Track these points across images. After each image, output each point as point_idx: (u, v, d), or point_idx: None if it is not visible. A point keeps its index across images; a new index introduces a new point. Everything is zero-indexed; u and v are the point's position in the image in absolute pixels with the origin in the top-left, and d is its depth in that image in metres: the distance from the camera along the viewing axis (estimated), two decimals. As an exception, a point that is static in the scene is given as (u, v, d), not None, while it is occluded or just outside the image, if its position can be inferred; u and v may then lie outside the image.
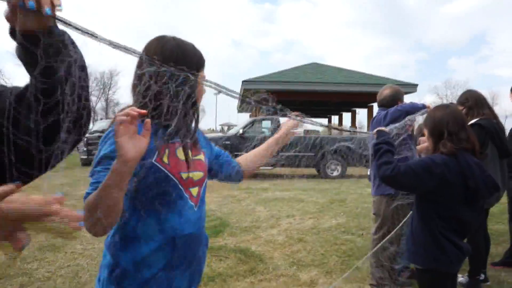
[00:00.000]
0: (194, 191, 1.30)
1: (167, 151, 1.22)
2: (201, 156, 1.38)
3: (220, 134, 12.06)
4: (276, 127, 11.39)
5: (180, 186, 1.24)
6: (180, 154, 1.27)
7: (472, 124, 3.17)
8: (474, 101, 3.37)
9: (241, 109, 21.77)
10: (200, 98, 1.31)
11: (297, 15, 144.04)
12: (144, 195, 1.18)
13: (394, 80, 16.13)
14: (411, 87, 15.87)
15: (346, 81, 15.85)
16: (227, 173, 1.54)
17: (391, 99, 3.19)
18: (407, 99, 4.21)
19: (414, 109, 2.75)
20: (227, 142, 11.18)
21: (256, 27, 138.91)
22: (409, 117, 2.55)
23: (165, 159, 1.21)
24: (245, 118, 12.07)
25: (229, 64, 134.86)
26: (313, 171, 12.04)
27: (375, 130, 2.16)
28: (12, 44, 0.87)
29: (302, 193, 8.42)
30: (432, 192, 1.84)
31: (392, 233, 2.76)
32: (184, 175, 1.25)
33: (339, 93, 15.78)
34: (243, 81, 15.11)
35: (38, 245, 4.36)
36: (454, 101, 3.85)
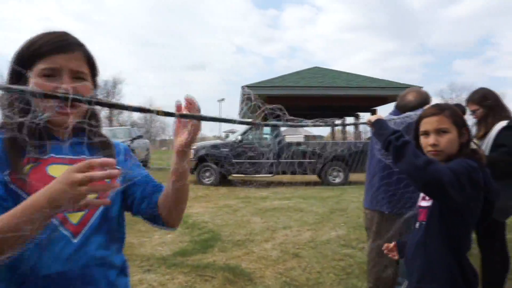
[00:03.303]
0: (74, 216, 0.98)
1: (28, 166, 0.93)
2: None
3: (218, 141, 11.73)
4: (277, 133, 11.07)
5: None
6: (55, 170, 0.96)
7: (507, 126, 2.75)
8: (495, 100, 2.91)
9: (243, 116, 21.54)
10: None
11: (301, 20, 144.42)
12: None
13: (398, 83, 15.73)
14: (416, 91, 15.44)
15: (348, 85, 15.46)
16: (146, 211, 1.18)
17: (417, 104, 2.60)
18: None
19: None
20: (226, 150, 10.86)
21: (260, 33, 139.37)
22: (409, 113, 2.20)
23: (24, 176, 0.91)
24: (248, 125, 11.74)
25: (233, 72, 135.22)
26: (315, 178, 11.67)
27: (373, 119, 1.78)
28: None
29: (302, 201, 8.05)
30: (465, 205, 1.41)
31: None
32: None
33: (341, 97, 15.39)
34: (243, 87, 14.79)
35: None
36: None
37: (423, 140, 1.58)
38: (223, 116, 1.05)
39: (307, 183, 11.11)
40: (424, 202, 1.57)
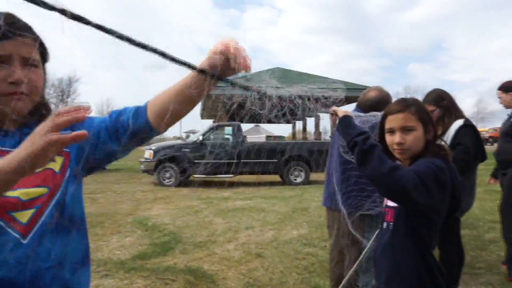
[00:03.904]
0: (23, 215, 0.90)
1: None
2: (54, 165, 0.98)
3: (179, 142, 11.52)
4: (238, 131, 11.01)
5: None
6: None
7: (464, 125, 2.84)
8: (450, 101, 3.00)
9: (203, 116, 21.30)
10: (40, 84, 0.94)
11: (262, 21, 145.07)
12: None
13: (358, 85, 16.10)
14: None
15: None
16: (133, 127, 1.07)
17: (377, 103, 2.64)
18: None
19: None
20: (187, 150, 10.68)
21: (221, 33, 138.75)
22: (375, 113, 2.20)
23: None
24: (208, 124, 11.59)
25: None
26: (277, 178, 11.72)
27: (340, 114, 1.72)
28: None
29: (264, 201, 8.04)
30: (433, 207, 1.39)
31: (356, 265, 2.40)
32: None
33: (301, 98, 15.54)
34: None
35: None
36: None
37: (388, 138, 1.53)
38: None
39: (269, 183, 11.14)
40: (391, 202, 1.54)
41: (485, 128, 49.63)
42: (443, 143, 1.61)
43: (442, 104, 2.98)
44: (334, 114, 1.79)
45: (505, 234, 3.87)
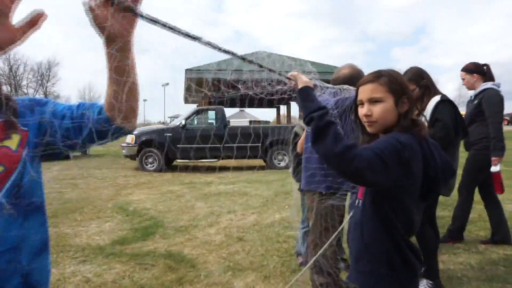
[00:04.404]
0: None
1: None
2: (10, 142, 0.94)
3: (162, 126, 11.37)
4: (222, 117, 10.91)
5: None
6: None
7: (441, 101, 2.80)
8: (429, 79, 2.96)
9: (187, 100, 21.05)
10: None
11: (246, 5, 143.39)
12: None
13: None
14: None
15: (291, 69, 15.54)
16: (93, 121, 1.04)
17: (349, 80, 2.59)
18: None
19: None
20: (169, 135, 10.55)
21: (204, 17, 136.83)
22: (346, 86, 2.15)
23: None
24: (191, 109, 11.47)
25: (177, 56, 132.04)
26: (261, 162, 11.70)
27: (300, 84, 1.57)
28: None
29: (247, 185, 8.02)
30: (395, 185, 1.30)
31: (328, 243, 2.38)
32: None
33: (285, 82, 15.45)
34: (187, 70, 14.42)
35: None
36: None
37: (359, 111, 1.47)
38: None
39: (253, 168, 11.12)
40: None
41: (466, 112, 50.30)
42: (423, 119, 1.54)
43: (422, 83, 2.93)
44: (292, 80, 1.65)
45: (455, 211, 4.10)
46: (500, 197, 4.02)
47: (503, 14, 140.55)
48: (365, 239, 1.41)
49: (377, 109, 1.40)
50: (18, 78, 48.06)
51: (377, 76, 1.44)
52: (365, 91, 1.44)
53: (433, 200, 2.99)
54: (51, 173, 10.23)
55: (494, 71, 3.85)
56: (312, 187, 2.61)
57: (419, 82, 2.93)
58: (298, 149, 3.26)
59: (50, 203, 6.38)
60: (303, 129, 3.27)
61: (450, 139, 2.75)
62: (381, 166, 1.20)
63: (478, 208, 5.29)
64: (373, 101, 1.42)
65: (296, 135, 3.57)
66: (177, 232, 4.66)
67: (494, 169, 3.67)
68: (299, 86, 1.57)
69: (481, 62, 3.89)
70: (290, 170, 3.70)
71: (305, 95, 1.51)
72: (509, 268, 3.30)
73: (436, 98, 2.84)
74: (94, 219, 5.33)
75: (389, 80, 1.42)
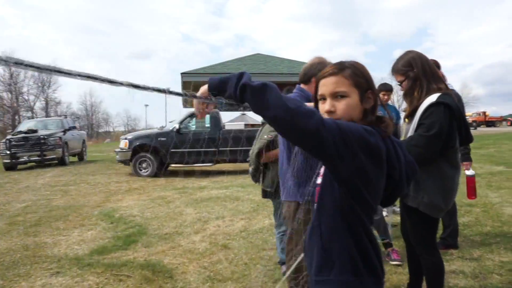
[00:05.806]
0: None
1: None
2: None
3: (156, 131, 11.20)
4: (216, 121, 10.73)
5: None
6: None
7: (437, 103, 2.15)
8: (423, 69, 2.27)
9: (185, 105, 20.91)
10: None
11: (247, 9, 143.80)
12: None
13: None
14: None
15: (290, 71, 15.40)
16: None
17: (303, 75, 2.48)
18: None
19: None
20: (163, 139, 10.37)
21: (206, 21, 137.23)
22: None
23: None
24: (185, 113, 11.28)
25: (179, 60, 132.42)
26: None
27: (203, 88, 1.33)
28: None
29: (241, 190, 7.83)
30: (359, 172, 1.12)
31: (300, 257, 2.20)
32: None
33: (282, 84, 15.30)
34: (182, 73, 14.27)
35: None
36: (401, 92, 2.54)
37: (320, 107, 1.29)
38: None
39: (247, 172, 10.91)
40: (319, 179, 1.29)
41: (469, 112, 50.20)
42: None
43: (410, 74, 2.30)
44: (204, 94, 1.35)
45: (443, 219, 3.85)
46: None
47: (506, 16, 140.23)
48: (324, 240, 1.22)
49: (341, 105, 1.23)
50: (19, 84, 48.07)
51: (340, 68, 1.27)
52: (327, 85, 1.26)
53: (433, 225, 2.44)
54: (43, 180, 10.08)
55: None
56: (290, 197, 2.46)
57: (406, 74, 2.33)
58: (265, 159, 3.17)
59: (35, 211, 6.24)
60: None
61: (426, 154, 2.14)
62: (341, 141, 1.07)
63: (475, 211, 5.11)
64: (336, 96, 1.24)
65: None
66: (160, 240, 4.48)
67: (469, 172, 3.69)
68: (201, 91, 1.35)
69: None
70: (250, 170, 3.55)
71: (215, 82, 1.28)
72: (504, 277, 3.09)
73: (432, 98, 2.19)
74: (77, 227, 5.16)
75: (353, 72, 1.26)
